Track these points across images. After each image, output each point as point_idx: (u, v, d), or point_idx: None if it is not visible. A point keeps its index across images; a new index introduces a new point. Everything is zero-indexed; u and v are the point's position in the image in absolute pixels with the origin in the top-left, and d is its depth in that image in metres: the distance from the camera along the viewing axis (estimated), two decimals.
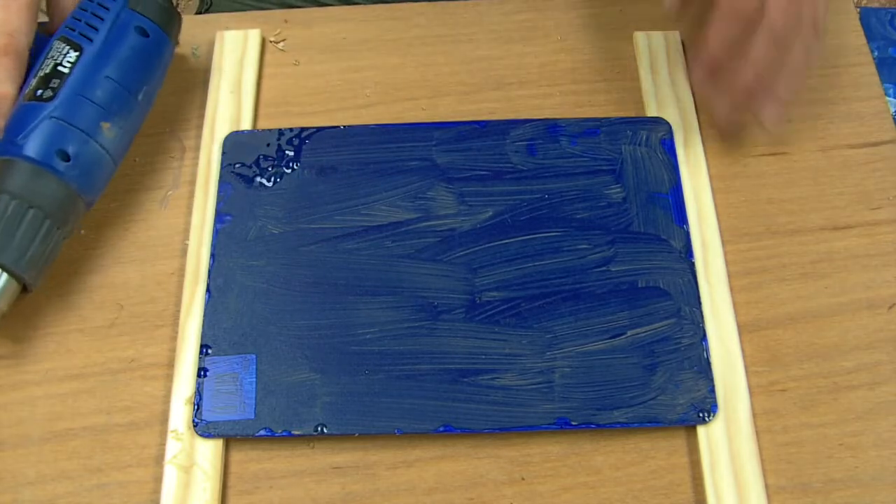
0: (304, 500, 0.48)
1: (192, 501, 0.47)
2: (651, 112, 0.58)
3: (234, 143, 0.56)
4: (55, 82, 0.51)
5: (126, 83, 0.53)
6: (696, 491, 0.48)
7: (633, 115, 0.59)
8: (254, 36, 0.61)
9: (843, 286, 0.53)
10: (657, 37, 0.61)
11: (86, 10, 0.54)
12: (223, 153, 0.56)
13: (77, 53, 0.52)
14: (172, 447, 0.48)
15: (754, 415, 0.49)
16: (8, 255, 0.48)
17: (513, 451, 0.49)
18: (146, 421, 0.50)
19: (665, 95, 0.59)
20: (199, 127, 0.58)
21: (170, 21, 0.56)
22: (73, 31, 0.53)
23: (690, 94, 0.59)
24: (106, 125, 0.52)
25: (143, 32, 0.54)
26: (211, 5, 0.78)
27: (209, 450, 0.48)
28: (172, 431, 0.49)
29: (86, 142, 0.51)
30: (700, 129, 0.57)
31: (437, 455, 0.49)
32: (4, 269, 0.49)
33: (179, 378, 0.50)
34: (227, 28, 0.62)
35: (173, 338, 0.52)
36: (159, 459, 0.49)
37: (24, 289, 0.50)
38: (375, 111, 0.59)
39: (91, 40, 0.53)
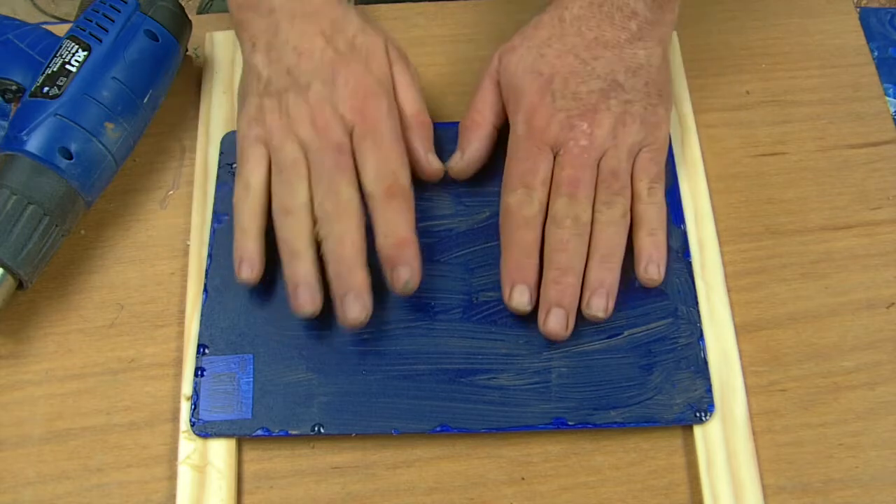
0: (304, 500, 0.48)
1: (209, 501, 0.47)
2: None
3: (232, 143, 0.56)
4: (62, 80, 0.52)
5: (132, 85, 0.53)
6: (695, 491, 0.48)
7: None
8: None
9: (843, 286, 0.53)
10: None
11: (97, 11, 0.54)
12: (220, 153, 0.56)
13: (85, 53, 0.53)
14: (185, 447, 0.48)
15: (753, 415, 0.49)
16: (4, 250, 0.49)
17: (513, 451, 0.49)
18: (147, 421, 0.50)
19: None
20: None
21: (180, 27, 0.57)
22: (84, 30, 0.53)
23: (688, 94, 0.59)
24: (110, 126, 0.52)
25: (153, 36, 0.55)
26: (211, 5, 0.78)
27: (223, 449, 0.48)
28: (185, 432, 0.49)
29: (88, 141, 0.51)
30: (697, 129, 0.57)
31: (436, 455, 0.49)
32: (0, 265, 0.49)
33: (189, 378, 0.50)
34: (228, 28, 0.62)
35: (174, 338, 0.52)
36: (160, 459, 0.49)
37: (20, 286, 0.50)
38: None
39: (100, 41, 0.53)
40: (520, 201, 0.50)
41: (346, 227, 0.48)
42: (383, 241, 0.49)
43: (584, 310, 0.50)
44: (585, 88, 0.51)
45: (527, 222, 0.50)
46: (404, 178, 0.50)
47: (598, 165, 0.51)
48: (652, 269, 0.51)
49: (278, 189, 0.50)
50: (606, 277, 0.50)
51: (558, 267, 0.49)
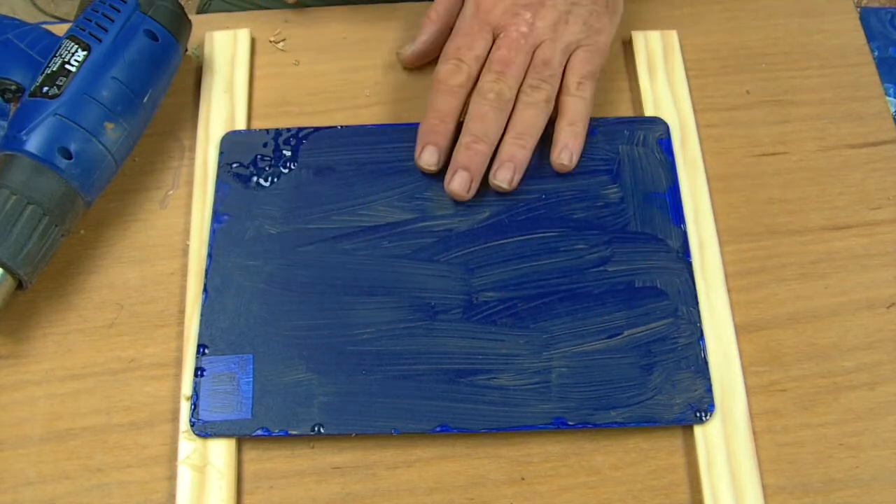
0: (304, 500, 0.48)
1: (209, 501, 0.47)
2: (649, 112, 0.58)
3: (232, 143, 0.57)
4: (62, 80, 0.52)
5: (132, 85, 0.53)
6: (695, 491, 0.48)
7: (630, 115, 0.59)
8: (243, 36, 0.62)
9: (843, 286, 0.53)
10: (655, 36, 0.61)
11: (97, 11, 0.54)
12: (221, 153, 0.56)
13: (85, 53, 0.52)
14: (185, 447, 0.48)
15: (753, 415, 0.49)
16: (4, 250, 0.49)
17: (513, 451, 0.49)
18: (146, 421, 0.50)
19: (663, 95, 0.58)
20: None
21: (180, 26, 0.57)
22: (83, 30, 0.53)
23: (688, 94, 0.58)
24: (110, 125, 0.52)
25: (153, 36, 0.55)
26: (210, 5, 0.78)
27: (223, 449, 0.48)
28: (185, 432, 0.49)
29: (88, 141, 0.51)
30: (698, 128, 0.57)
31: (437, 455, 0.49)
32: (0, 265, 0.49)
33: (189, 378, 0.50)
34: (227, 28, 0.62)
35: (173, 338, 0.52)
36: (160, 459, 0.49)
37: (20, 286, 0.50)
38: (375, 111, 0.59)
39: (100, 40, 0.53)
40: (450, 70, 0.53)
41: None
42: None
43: (491, 179, 0.53)
44: None
45: (451, 90, 0.53)
46: None
47: (533, 54, 0.54)
48: (565, 155, 0.53)
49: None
50: (517, 153, 0.53)
51: (473, 133, 0.52)
